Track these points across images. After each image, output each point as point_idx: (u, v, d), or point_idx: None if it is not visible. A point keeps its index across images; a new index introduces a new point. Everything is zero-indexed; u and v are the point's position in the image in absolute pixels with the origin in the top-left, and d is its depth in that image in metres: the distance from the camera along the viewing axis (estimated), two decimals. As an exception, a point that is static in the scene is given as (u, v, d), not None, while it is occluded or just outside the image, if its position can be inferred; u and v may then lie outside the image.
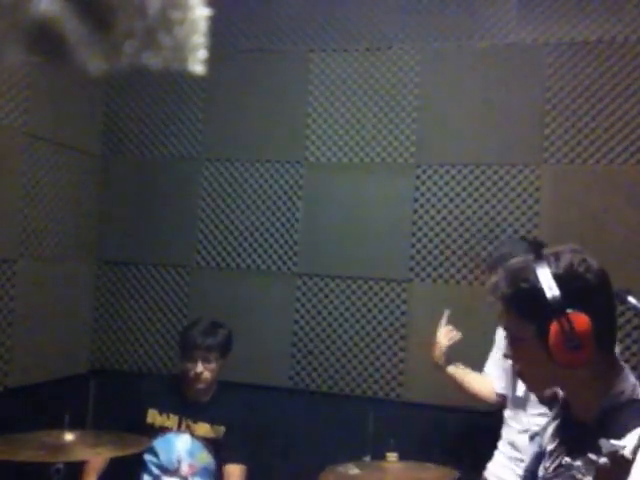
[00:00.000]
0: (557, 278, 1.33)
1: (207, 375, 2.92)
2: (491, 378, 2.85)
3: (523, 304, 1.37)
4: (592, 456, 1.34)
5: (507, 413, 2.68)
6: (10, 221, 3.05)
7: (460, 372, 2.87)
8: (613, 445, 1.25)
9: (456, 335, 2.84)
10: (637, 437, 1.24)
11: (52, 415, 2.49)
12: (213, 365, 2.94)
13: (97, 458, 2.88)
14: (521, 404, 2.61)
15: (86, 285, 3.64)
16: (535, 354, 1.36)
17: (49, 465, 2.36)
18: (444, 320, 2.87)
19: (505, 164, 3.21)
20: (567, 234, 3.02)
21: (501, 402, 2.75)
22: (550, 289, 1.32)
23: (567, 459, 1.42)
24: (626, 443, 1.24)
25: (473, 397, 2.87)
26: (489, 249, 3.21)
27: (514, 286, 1.38)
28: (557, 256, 1.37)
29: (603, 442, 1.27)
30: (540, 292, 1.32)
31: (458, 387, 2.86)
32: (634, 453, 1.23)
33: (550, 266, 1.35)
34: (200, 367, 2.91)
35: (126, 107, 3.70)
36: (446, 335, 2.85)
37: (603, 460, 1.29)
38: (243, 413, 3.07)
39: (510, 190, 3.20)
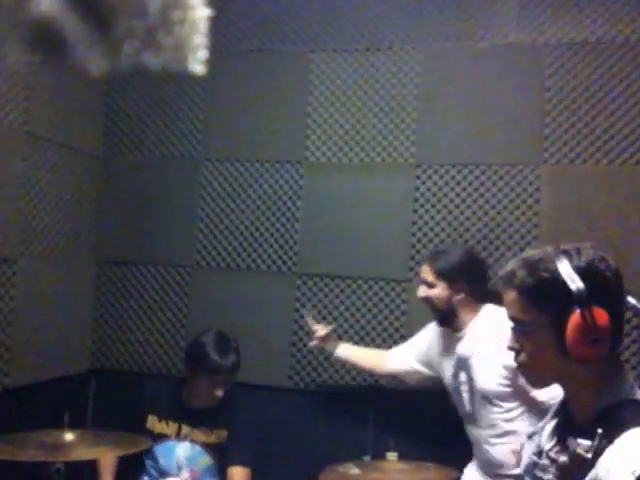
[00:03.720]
0: (579, 271, 1.33)
1: (222, 394, 2.92)
2: (396, 360, 3.03)
3: (541, 294, 1.36)
4: (553, 454, 1.34)
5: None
6: (10, 221, 3.05)
7: (348, 354, 3.10)
8: (579, 443, 1.25)
9: (324, 329, 3.07)
10: (597, 436, 1.24)
11: (52, 415, 2.50)
12: (229, 383, 2.95)
13: (108, 457, 2.89)
14: (471, 420, 2.67)
15: (86, 285, 3.64)
16: (544, 346, 1.35)
17: (49, 465, 2.36)
18: (310, 321, 3.11)
19: (505, 164, 3.21)
20: (567, 234, 3.02)
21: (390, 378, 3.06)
22: (573, 281, 1.31)
23: (534, 457, 1.43)
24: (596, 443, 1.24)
25: (367, 372, 3.14)
26: (489, 249, 3.21)
27: (534, 275, 1.37)
28: (579, 250, 1.37)
29: (570, 441, 1.27)
30: (562, 283, 1.32)
31: (350, 364, 3.13)
32: (595, 453, 1.24)
33: (572, 259, 1.35)
34: (220, 391, 2.89)
35: (126, 107, 3.69)
36: (318, 334, 3.07)
37: (563, 459, 1.29)
38: (244, 416, 3.06)
39: (510, 190, 3.20)
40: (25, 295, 3.11)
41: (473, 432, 2.68)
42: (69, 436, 2.47)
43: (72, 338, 3.52)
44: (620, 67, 3.10)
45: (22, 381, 3.11)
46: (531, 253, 1.43)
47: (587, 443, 1.25)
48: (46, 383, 3.26)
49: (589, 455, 1.24)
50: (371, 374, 3.13)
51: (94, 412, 3.39)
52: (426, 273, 2.70)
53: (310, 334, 3.07)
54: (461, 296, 2.64)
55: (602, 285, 1.34)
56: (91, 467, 2.97)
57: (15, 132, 3.05)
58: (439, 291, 2.65)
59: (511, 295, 1.42)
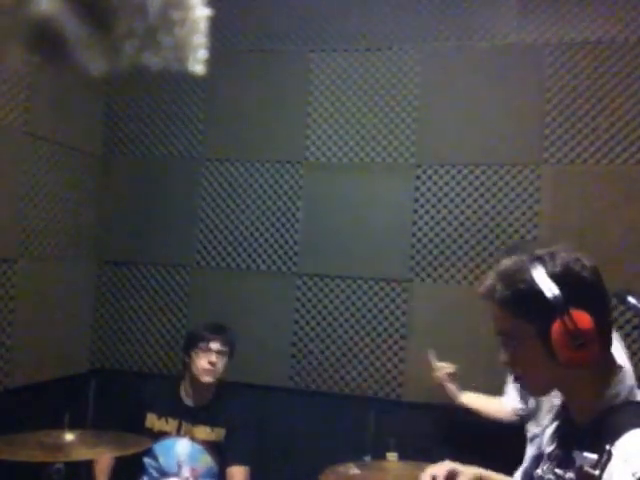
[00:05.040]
0: (555, 277, 1.31)
1: (219, 367, 2.95)
2: (511, 399, 2.91)
3: (521, 305, 1.34)
4: (559, 471, 1.33)
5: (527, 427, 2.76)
6: (10, 221, 3.05)
7: (473, 401, 2.98)
8: (585, 458, 1.23)
9: (450, 368, 2.94)
10: (605, 451, 1.22)
11: (52, 415, 2.49)
12: (225, 359, 2.97)
13: (104, 458, 2.89)
14: (532, 416, 2.71)
15: (86, 285, 3.64)
16: (535, 356, 1.33)
17: (49, 465, 2.36)
18: (433, 359, 2.95)
19: (505, 164, 3.21)
20: (567, 234, 3.02)
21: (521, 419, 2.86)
22: (549, 288, 1.30)
23: (538, 471, 1.41)
24: (598, 456, 1.23)
25: (492, 419, 2.96)
26: (489, 249, 3.21)
27: (511, 288, 1.35)
28: (552, 255, 1.35)
29: (577, 454, 1.25)
30: (539, 292, 1.30)
31: (474, 412, 2.97)
32: (601, 470, 1.22)
33: (546, 265, 1.33)
34: (214, 357, 2.93)
35: (126, 107, 3.70)
36: (441, 372, 2.93)
37: (569, 476, 1.27)
38: (243, 414, 3.07)
39: (510, 190, 3.20)
40: (25, 295, 3.11)
41: (532, 430, 2.69)
42: (69, 436, 2.46)
43: (72, 338, 3.52)
44: (620, 67, 3.10)
45: (22, 381, 3.11)
46: (507, 264, 1.40)
47: (593, 457, 1.23)
48: (46, 383, 3.26)
49: (597, 472, 1.22)
50: (496, 420, 2.96)
51: (94, 412, 3.39)
52: None
53: (434, 371, 2.96)
54: None
55: (580, 287, 1.32)
56: (91, 467, 2.97)
57: (15, 132, 3.05)
58: None
59: (494, 309, 1.40)
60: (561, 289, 1.30)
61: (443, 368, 2.95)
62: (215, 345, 2.95)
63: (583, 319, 1.28)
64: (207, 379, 2.94)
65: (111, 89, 3.69)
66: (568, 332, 1.27)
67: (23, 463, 2.29)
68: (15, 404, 3.02)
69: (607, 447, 1.22)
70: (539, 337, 1.31)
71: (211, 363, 2.92)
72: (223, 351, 2.96)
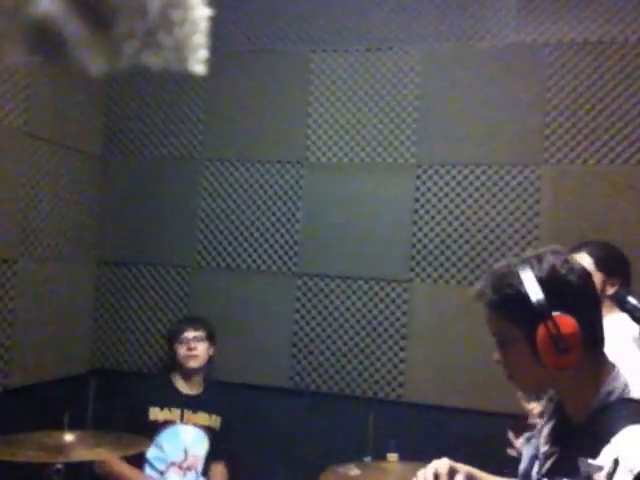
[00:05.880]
0: (540, 281, 1.32)
1: (199, 351, 3.12)
2: None
3: (509, 309, 1.36)
4: None
5: None
6: (10, 221, 3.05)
7: None
8: (590, 465, 1.23)
9: (540, 407, 2.51)
10: (612, 461, 1.22)
11: (52, 415, 2.49)
12: (203, 344, 3.14)
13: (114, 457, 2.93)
14: None
15: (86, 285, 3.64)
16: (524, 357, 1.35)
17: (49, 465, 2.36)
18: (524, 402, 2.57)
19: (505, 164, 3.21)
20: (567, 234, 3.01)
21: None
22: (534, 293, 1.31)
23: (535, 471, 1.42)
24: (604, 462, 1.22)
25: None
26: (489, 249, 3.21)
27: (499, 291, 1.37)
28: (539, 259, 1.36)
29: (582, 461, 1.25)
30: (525, 296, 1.32)
31: None
32: (609, 478, 1.22)
33: (533, 269, 1.34)
34: (191, 343, 3.12)
35: (126, 107, 3.69)
36: (533, 413, 2.55)
37: None
38: (236, 403, 3.23)
39: (510, 190, 3.20)
40: (25, 295, 3.11)
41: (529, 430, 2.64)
42: (69, 436, 2.46)
43: (72, 338, 3.52)
44: (620, 67, 3.10)
45: (22, 382, 3.11)
46: (497, 267, 1.43)
47: (598, 465, 1.23)
48: (46, 384, 3.26)
49: None
50: None
51: (94, 412, 3.39)
52: (582, 259, 2.39)
53: (528, 415, 2.58)
54: (611, 291, 2.44)
55: (565, 291, 1.33)
56: (91, 468, 2.97)
57: (15, 132, 3.04)
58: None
59: (485, 311, 1.43)
60: (546, 293, 1.31)
61: (534, 408, 2.62)
62: (189, 334, 3.15)
63: (567, 324, 1.29)
64: (192, 364, 3.13)
65: (111, 89, 3.69)
66: (552, 337, 1.29)
67: (23, 463, 2.29)
68: (15, 404, 3.01)
69: (615, 457, 1.21)
70: (526, 340, 1.33)
71: (189, 349, 3.12)
72: (198, 336, 3.15)
